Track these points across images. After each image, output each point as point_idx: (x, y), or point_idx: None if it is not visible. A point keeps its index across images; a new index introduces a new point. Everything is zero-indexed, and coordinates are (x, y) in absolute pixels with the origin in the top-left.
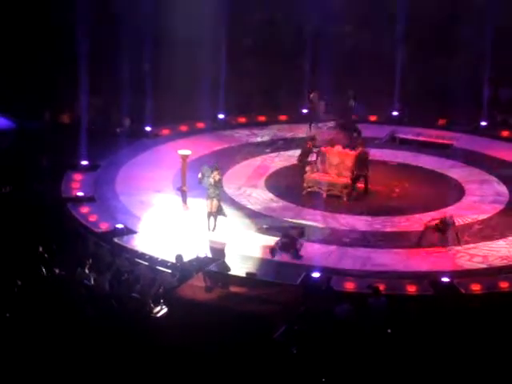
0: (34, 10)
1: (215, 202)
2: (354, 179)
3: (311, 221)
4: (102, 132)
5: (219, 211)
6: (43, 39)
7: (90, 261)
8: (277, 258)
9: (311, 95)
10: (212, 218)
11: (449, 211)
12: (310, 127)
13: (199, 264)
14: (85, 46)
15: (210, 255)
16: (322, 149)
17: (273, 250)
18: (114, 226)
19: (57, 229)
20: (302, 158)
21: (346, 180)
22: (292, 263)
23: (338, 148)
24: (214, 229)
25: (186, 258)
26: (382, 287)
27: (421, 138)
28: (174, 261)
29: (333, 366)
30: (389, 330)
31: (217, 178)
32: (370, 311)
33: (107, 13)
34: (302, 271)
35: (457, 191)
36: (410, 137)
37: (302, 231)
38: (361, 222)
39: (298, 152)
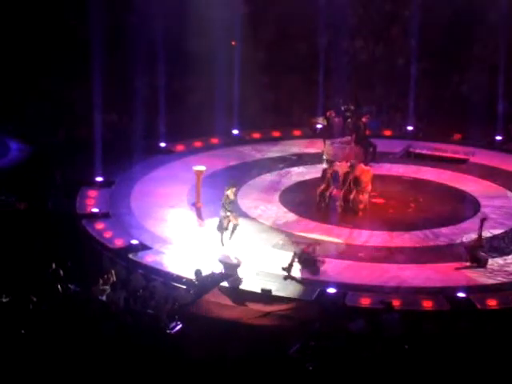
0: (47, 27)
1: (232, 217)
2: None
3: (326, 235)
4: (117, 148)
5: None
6: (57, 54)
7: (106, 277)
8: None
9: (328, 113)
10: (226, 233)
11: (466, 225)
12: (324, 143)
13: (214, 280)
14: (99, 62)
15: (224, 271)
16: (336, 164)
17: (289, 268)
18: (128, 242)
19: (72, 245)
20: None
21: (363, 196)
22: (307, 279)
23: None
24: (223, 243)
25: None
26: (397, 303)
27: (436, 153)
28: (191, 276)
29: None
30: (406, 346)
31: (231, 196)
32: (382, 327)
33: (121, 28)
34: (317, 287)
35: (472, 206)
36: (425, 151)
37: (313, 248)
38: (376, 237)
39: (311, 168)
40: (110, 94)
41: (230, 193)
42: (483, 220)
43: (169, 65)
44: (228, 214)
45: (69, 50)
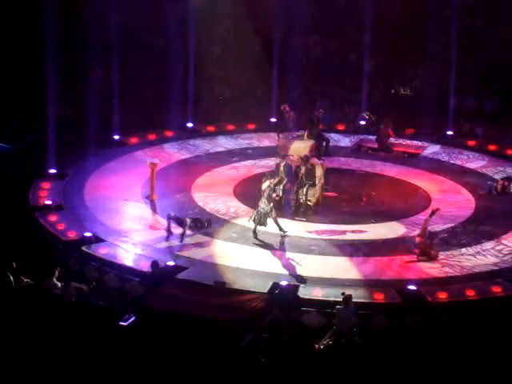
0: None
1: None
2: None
3: (279, 229)
4: (71, 140)
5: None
6: (12, 47)
7: (58, 269)
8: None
9: (282, 107)
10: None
11: (417, 219)
12: (278, 136)
13: (168, 273)
14: (53, 54)
15: (178, 263)
16: (290, 158)
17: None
18: (82, 234)
19: (25, 238)
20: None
21: (316, 189)
22: (261, 271)
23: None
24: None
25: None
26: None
27: (388, 147)
28: (144, 269)
29: (301, 375)
30: (359, 339)
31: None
32: (336, 320)
33: (76, 20)
34: (270, 279)
35: (423, 200)
36: (377, 146)
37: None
38: (328, 230)
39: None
40: (65, 87)
41: (269, 184)
42: (432, 213)
43: (123, 58)
44: (271, 205)
45: (23, 42)
